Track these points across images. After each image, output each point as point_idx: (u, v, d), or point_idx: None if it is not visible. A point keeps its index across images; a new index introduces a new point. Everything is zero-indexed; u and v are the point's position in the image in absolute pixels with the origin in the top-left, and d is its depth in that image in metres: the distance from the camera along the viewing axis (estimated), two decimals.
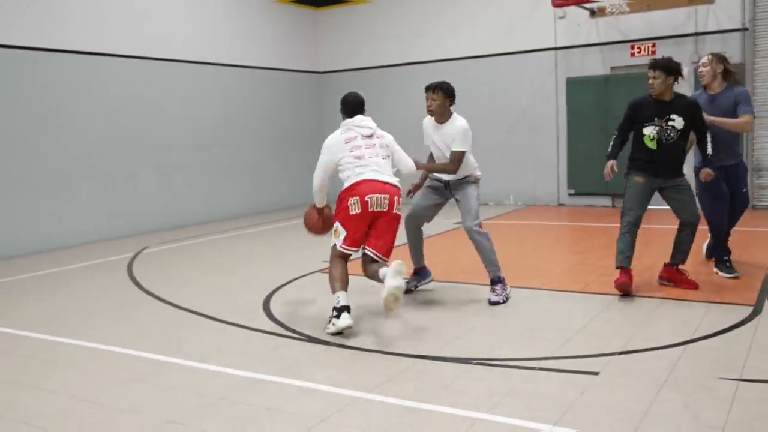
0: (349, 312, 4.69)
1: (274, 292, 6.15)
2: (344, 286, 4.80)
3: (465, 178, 5.58)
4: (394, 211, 4.89)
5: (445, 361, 4.12)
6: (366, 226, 4.86)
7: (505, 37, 12.34)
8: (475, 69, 12.68)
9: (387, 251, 4.87)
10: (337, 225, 4.91)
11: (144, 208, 10.67)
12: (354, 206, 4.80)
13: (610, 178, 5.50)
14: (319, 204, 5.18)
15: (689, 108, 5.44)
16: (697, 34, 10.76)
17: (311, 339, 4.70)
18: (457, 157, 5.41)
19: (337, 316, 4.67)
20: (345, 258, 4.91)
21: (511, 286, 5.85)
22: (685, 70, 6.93)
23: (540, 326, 4.78)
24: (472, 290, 5.90)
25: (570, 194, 12.00)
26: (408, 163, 5.25)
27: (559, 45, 11.88)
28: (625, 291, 5.39)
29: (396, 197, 4.91)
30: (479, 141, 6.56)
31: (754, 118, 5.95)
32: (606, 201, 11.72)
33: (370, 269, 4.82)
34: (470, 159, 5.58)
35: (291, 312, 5.45)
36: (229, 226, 11.14)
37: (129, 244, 9.44)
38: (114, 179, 10.25)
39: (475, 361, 4.09)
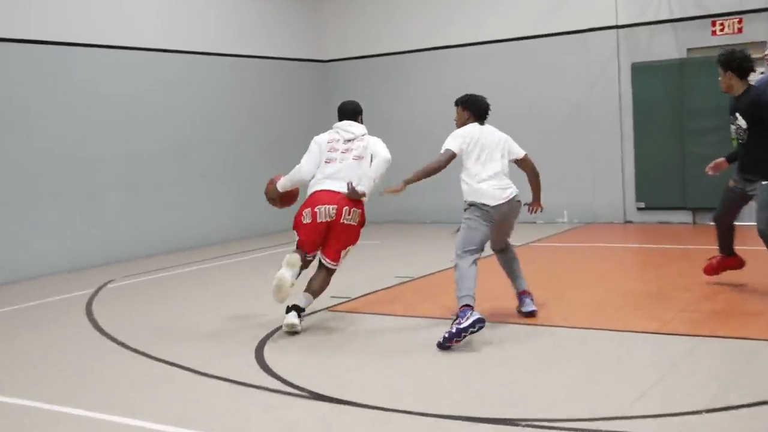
0: (288, 312, 6.24)
1: (269, 336, 6.15)
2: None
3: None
4: (341, 221, 6.27)
5: (484, 423, 4.08)
6: (318, 235, 6.31)
7: (552, 15, 12.36)
8: (514, 54, 12.70)
9: (333, 256, 6.40)
10: (294, 232, 6.48)
11: (108, 231, 10.75)
12: (306, 216, 6.34)
13: (712, 173, 6.54)
14: (281, 188, 6.69)
15: (748, 106, 5.89)
16: None
17: (317, 396, 4.67)
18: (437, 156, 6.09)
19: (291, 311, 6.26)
20: (303, 260, 6.28)
21: (565, 326, 5.83)
22: None
23: (606, 377, 4.73)
24: (513, 329, 5.87)
25: (639, 209, 11.94)
26: (382, 153, 6.40)
27: (621, 23, 11.89)
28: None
29: (346, 208, 6.26)
30: (520, 144, 6.65)
31: None
32: (685, 217, 11.63)
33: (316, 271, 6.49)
34: (465, 179, 6.04)
35: (291, 362, 5.44)
36: (213, 253, 11.19)
37: (92, 276, 9.50)
38: (72, 195, 10.34)
39: (523, 423, 4.04)
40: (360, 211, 6.35)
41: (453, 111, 6.33)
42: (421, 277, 8.43)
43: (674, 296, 6.73)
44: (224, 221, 12.47)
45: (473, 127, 6.16)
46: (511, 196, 5.95)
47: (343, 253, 6.41)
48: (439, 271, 8.62)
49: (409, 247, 10.92)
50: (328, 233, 6.30)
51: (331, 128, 6.64)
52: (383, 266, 9.30)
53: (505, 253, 6.36)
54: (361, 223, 6.42)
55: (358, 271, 8.88)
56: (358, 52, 14.18)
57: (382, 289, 7.84)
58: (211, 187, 12.28)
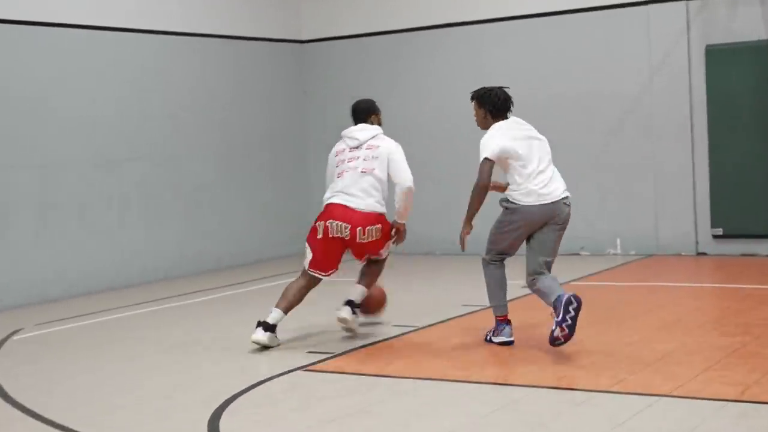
0: (265, 330, 7.56)
1: (226, 405, 6.12)
2: (286, 306, 7.69)
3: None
4: (357, 241, 7.52)
5: None
6: (332, 251, 7.60)
7: None
8: (550, 34, 12.77)
9: (371, 253, 7.77)
10: (306, 245, 7.70)
11: (15, 265, 10.75)
12: (319, 230, 7.59)
13: None
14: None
15: None
16: None
17: None
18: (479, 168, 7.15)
19: (258, 326, 7.60)
20: (311, 280, 7.73)
21: (621, 392, 5.86)
22: None
23: None
24: (542, 397, 5.86)
25: (716, 236, 11.98)
26: (402, 177, 7.60)
27: None
28: None
29: (360, 228, 7.47)
30: (555, 150, 6.81)
31: None
32: None
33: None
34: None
35: None
36: (151, 293, 11.16)
37: None
38: None
39: None
40: (379, 225, 7.60)
41: (470, 105, 6.93)
42: (429, 326, 8.44)
43: (763, 353, 6.72)
44: (167, 252, 12.49)
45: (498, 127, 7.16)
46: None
47: (383, 251, 7.83)
48: (451, 319, 8.62)
49: (413, 286, 10.92)
50: (349, 247, 7.64)
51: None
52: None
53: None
54: (386, 232, 7.70)
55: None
56: (346, 31, 14.26)
57: (377, 342, 7.84)
58: (148, 208, 12.29)
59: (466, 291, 9.70)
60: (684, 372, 6.33)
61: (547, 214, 7.02)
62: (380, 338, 7.95)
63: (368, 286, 7.87)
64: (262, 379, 6.75)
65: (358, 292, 7.82)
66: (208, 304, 10.43)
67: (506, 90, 7.32)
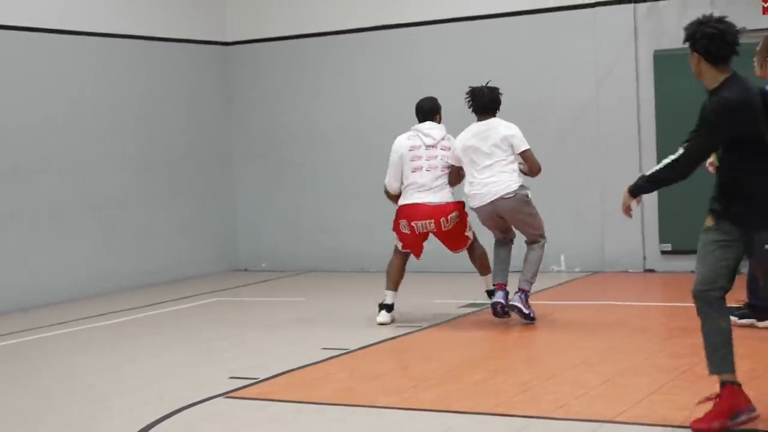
0: (387, 311, 9.33)
1: None
2: (394, 287, 9.42)
3: None
4: (444, 229, 9.14)
5: None
6: (420, 240, 9.31)
7: None
8: (492, 37, 12.83)
9: (460, 247, 9.48)
10: (394, 234, 9.39)
11: None
12: (404, 227, 9.22)
13: None
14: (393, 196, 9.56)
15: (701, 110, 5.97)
16: None
17: None
18: None
19: (382, 308, 9.38)
20: (406, 256, 9.44)
21: (563, 418, 5.92)
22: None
23: None
24: (490, 424, 5.89)
25: (664, 252, 12.15)
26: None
27: None
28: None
29: (443, 218, 9.07)
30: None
31: None
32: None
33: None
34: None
35: None
36: (59, 315, 11.01)
37: None
38: None
39: None
40: (456, 212, 9.12)
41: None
42: (360, 348, 8.44)
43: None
44: (78, 271, 12.35)
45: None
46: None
47: (467, 233, 9.35)
48: (384, 341, 8.65)
49: (342, 306, 10.92)
50: (438, 239, 9.39)
51: (411, 129, 9.32)
52: (307, 334, 9.30)
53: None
54: (463, 217, 9.22)
55: (272, 339, 8.85)
56: (273, 32, 14.24)
57: (305, 366, 7.81)
58: (57, 223, 12.16)
59: (399, 311, 9.70)
60: (629, 396, 6.39)
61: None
62: (308, 362, 7.91)
63: (487, 270, 9.39)
64: (181, 407, 6.66)
65: (488, 281, 9.39)
66: (122, 326, 10.31)
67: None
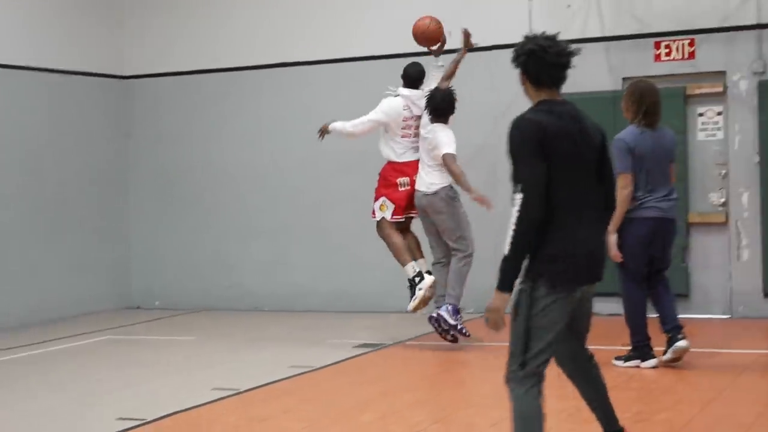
0: (429, 274, 9.80)
1: None
2: (412, 255, 9.82)
3: None
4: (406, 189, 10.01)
5: None
6: (410, 200, 9.84)
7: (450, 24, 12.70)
8: (386, 76, 12.99)
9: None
10: (384, 200, 9.83)
11: None
12: (404, 184, 9.82)
13: None
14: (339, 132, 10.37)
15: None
16: (761, 26, 11.47)
17: None
18: None
19: (414, 286, 9.66)
20: (396, 226, 9.85)
21: None
22: None
23: None
24: None
25: None
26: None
27: None
28: None
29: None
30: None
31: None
32: (609, 305, 11.92)
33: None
34: None
35: None
36: None
37: None
38: None
39: None
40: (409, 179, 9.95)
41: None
42: (251, 389, 8.43)
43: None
44: None
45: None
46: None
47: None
48: (277, 381, 8.66)
49: (235, 346, 10.90)
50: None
51: (400, 95, 10.15)
52: (197, 374, 9.29)
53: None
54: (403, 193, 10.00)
55: (161, 379, 8.80)
56: (173, 67, 14.26)
57: (194, 407, 7.78)
58: None
59: (293, 351, 9.73)
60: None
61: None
62: (198, 402, 7.88)
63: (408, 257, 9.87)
64: None
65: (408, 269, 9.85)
66: (9, 364, 10.18)
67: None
